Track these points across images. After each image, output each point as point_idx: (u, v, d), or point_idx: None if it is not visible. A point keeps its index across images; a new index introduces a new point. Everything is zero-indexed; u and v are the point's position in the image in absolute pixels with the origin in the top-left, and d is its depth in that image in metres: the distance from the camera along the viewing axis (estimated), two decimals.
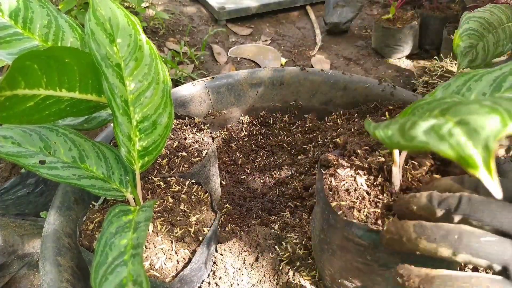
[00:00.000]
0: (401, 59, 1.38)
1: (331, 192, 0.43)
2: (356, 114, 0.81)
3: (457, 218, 0.33)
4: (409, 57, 1.39)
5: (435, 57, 1.31)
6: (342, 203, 0.42)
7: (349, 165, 0.46)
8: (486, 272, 0.31)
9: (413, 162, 0.45)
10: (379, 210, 0.41)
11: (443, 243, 0.32)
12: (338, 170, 0.45)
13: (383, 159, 0.45)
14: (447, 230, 0.32)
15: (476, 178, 0.36)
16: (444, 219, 0.34)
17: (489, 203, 0.32)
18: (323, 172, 0.46)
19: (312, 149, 0.79)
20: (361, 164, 0.45)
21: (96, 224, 0.50)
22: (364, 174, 0.45)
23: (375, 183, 0.43)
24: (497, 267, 0.30)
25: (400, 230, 0.35)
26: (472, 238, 0.31)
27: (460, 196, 0.34)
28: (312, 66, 1.40)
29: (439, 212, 0.34)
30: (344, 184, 0.44)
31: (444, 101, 0.30)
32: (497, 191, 0.22)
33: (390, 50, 1.37)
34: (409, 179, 0.43)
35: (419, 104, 0.33)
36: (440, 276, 0.32)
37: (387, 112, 0.75)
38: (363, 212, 0.41)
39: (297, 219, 0.63)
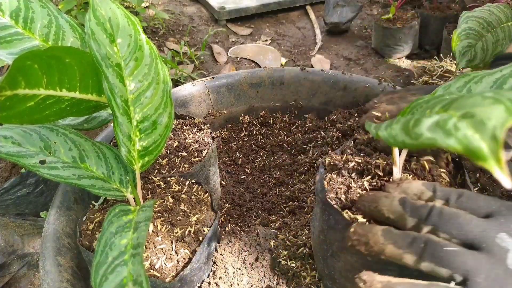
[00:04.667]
0: (401, 59, 1.39)
1: (331, 193, 0.43)
2: (356, 114, 0.81)
3: (426, 228, 0.34)
4: (409, 57, 1.39)
5: (435, 57, 1.31)
6: (342, 204, 0.42)
7: (349, 166, 0.46)
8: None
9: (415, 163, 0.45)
10: None
11: (408, 250, 0.33)
12: (338, 171, 0.45)
13: (382, 160, 0.45)
14: (413, 237, 0.33)
15: (449, 189, 0.36)
16: (413, 228, 0.35)
17: (457, 217, 0.33)
18: (323, 172, 0.46)
19: (312, 149, 0.79)
20: (361, 164, 0.45)
21: (96, 224, 0.50)
22: (365, 175, 0.45)
23: (375, 184, 0.43)
24: (458, 278, 0.31)
25: (367, 233, 0.35)
26: (436, 247, 0.32)
27: (431, 207, 0.34)
28: (312, 66, 1.40)
29: (410, 221, 0.35)
30: (344, 185, 0.44)
31: (443, 98, 0.30)
32: (507, 182, 0.21)
33: (390, 50, 1.37)
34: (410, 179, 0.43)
35: (417, 103, 0.33)
36: (401, 283, 0.32)
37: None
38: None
39: (297, 219, 0.63)
